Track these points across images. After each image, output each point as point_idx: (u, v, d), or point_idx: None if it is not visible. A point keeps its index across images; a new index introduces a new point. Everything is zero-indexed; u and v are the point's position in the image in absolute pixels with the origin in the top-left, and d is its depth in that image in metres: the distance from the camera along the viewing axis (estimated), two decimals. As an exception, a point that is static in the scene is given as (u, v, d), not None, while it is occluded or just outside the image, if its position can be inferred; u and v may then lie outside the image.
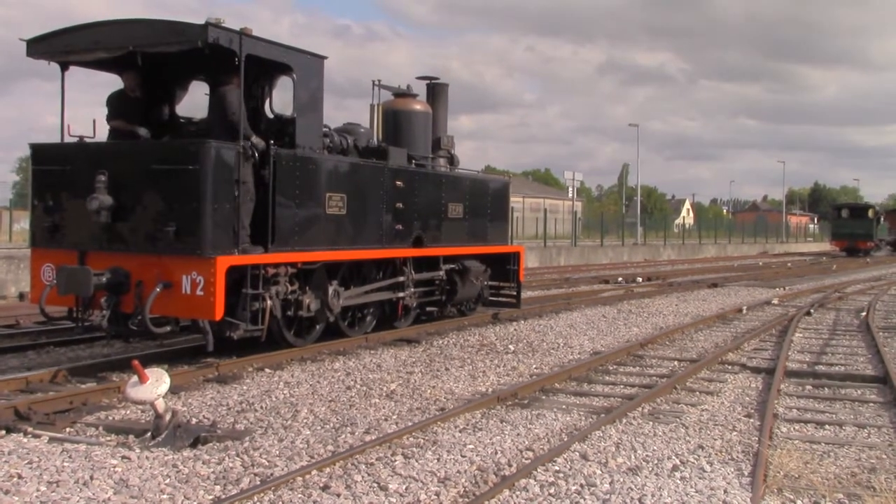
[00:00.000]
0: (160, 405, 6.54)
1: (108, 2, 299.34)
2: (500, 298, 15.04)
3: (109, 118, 10.15)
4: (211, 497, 5.32)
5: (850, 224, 53.34)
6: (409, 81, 13.67)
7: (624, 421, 7.49)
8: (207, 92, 10.94)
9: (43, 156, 9.93)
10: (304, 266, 10.10)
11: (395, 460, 6.10)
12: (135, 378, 6.55)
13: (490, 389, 8.76)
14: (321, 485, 5.53)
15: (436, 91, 14.15)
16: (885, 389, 9.23)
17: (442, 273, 13.12)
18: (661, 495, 5.51)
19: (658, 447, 6.66)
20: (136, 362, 6.60)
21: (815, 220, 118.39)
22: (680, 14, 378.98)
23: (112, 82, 10.59)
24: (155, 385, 6.50)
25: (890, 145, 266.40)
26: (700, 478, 5.90)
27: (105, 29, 9.49)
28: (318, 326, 10.75)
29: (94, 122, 10.29)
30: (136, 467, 5.86)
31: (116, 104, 10.18)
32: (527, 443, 6.73)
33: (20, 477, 5.58)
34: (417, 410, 7.76)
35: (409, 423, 7.16)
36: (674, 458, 6.37)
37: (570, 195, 45.08)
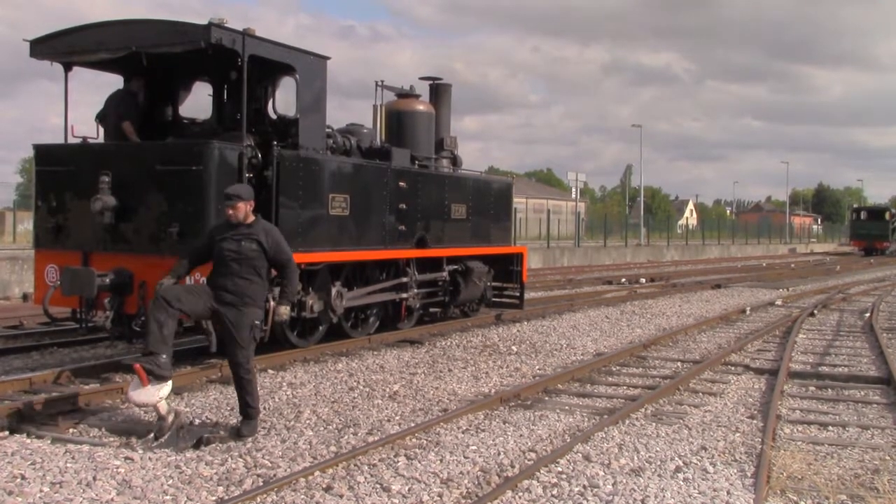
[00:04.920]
0: (163, 407, 6.54)
1: (113, 2, 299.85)
2: (504, 299, 15.03)
3: (100, 116, 10.19)
4: (214, 498, 5.32)
5: (868, 225, 57.02)
6: (414, 82, 13.69)
7: (627, 422, 7.48)
8: (211, 93, 10.96)
9: (46, 157, 9.95)
10: (308, 267, 10.09)
11: (398, 461, 6.10)
12: (137, 380, 6.55)
13: (493, 390, 8.76)
14: (324, 486, 5.54)
15: (439, 91, 14.15)
16: (889, 390, 9.22)
17: (445, 274, 13.11)
18: (664, 497, 5.50)
19: (661, 448, 6.66)
20: (137, 365, 6.60)
21: (819, 220, 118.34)
22: (686, 14, 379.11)
23: (116, 83, 10.62)
24: (157, 388, 6.51)
25: (895, 146, 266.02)
26: (703, 479, 5.90)
27: (108, 29, 9.51)
28: (321, 327, 10.75)
29: (97, 122, 10.33)
30: (139, 468, 5.87)
31: (111, 104, 10.23)
32: (529, 444, 6.73)
33: (23, 478, 5.59)
34: (420, 411, 7.76)
35: (412, 424, 7.16)
36: (677, 459, 6.36)
37: (574, 196, 45.08)
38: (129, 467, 5.88)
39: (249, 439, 6.63)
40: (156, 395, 6.49)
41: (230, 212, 6.97)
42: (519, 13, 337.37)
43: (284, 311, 7.21)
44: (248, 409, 6.84)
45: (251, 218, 7.04)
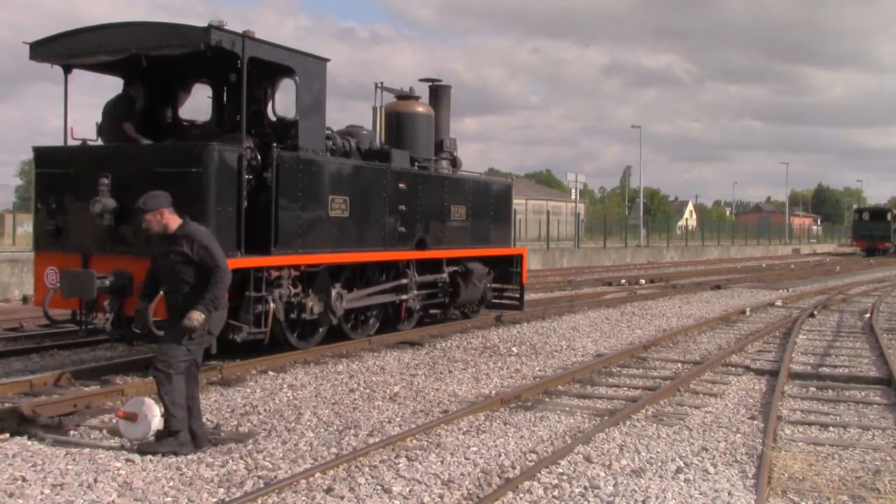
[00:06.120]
0: (160, 424, 6.52)
1: (113, 4, 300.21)
2: (503, 301, 15.03)
3: (103, 125, 10.21)
4: (215, 500, 5.32)
5: (870, 226, 57.50)
6: (413, 84, 13.69)
7: (627, 423, 7.48)
8: (210, 95, 10.96)
9: (46, 159, 9.95)
10: (308, 269, 10.10)
11: (399, 463, 6.10)
12: (124, 421, 6.54)
13: (493, 392, 8.76)
14: (325, 487, 5.54)
15: (438, 93, 14.15)
16: (889, 391, 9.22)
17: (445, 275, 13.12)
18: (664, 497, 5.50)
19: (662, 449, 6.66)
20: (118, 412, 6.62)
21: (819, 221, 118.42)
22: (685, 16, 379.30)
23: (115, 86, 10.62)
24: (147, 419, 6.48)
25: (894, 147, 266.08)
26: (704, 480, 5.90)
27: (108, 32, 9.51)
28: (321, 329, 10.75)
29: (97, 125, 10.33)
30: (140, 470, 5.87)
31: (111, 110, 10.24)
32: (530, 445, 6.73)
33: (24, 480, 5.59)
34: (421, 413, 7.76)
35: (413, 426, 7.16)
36: (678, 460, 6.36)
37: (573, 197, 45.09)
38: (130, 469, 5.88)
39: (250, 441, 6.62)
40: (150, 428, 6.46)
41: (143, 226, 6.50)
42: (519, 15, 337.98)
43: (196, 317, 6.20)
44: (166, 414, 6.31)
45: (175, 224, 6.43)
